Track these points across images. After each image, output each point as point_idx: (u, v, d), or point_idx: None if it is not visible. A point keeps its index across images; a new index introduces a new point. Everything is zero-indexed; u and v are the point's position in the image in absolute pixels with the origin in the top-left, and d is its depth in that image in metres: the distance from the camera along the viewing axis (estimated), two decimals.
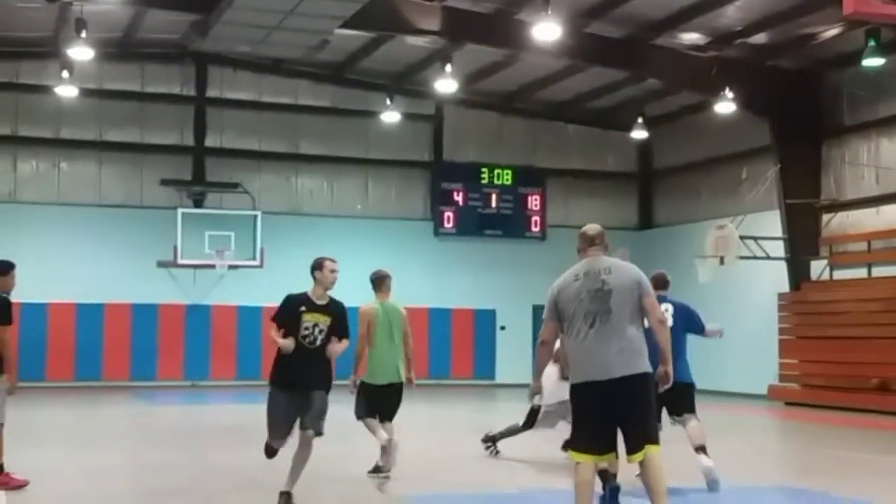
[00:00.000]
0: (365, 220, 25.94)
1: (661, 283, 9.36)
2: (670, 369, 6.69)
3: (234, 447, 12.67)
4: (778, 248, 21.81)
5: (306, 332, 8.08)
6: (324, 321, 8.13)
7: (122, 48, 23.47)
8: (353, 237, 25.37)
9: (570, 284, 6.60)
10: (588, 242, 6.82)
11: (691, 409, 9.30)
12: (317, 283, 8.24)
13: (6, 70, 23.60)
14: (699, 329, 9.60)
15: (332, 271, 8.27)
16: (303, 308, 8.13)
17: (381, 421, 9.92)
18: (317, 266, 8.31)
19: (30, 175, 23.96)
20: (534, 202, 27.09)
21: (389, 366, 10.01)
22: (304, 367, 8.02)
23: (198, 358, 24.56)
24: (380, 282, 10.43)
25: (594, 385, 6.35)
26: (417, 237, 25.86)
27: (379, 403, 9.95)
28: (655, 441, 6.40)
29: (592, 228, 6.87)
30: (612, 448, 6.45)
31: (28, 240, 22.58)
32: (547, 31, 17.43)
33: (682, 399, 9.04)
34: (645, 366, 6.44)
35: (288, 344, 7.94)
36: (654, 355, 6.65)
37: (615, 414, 6.34)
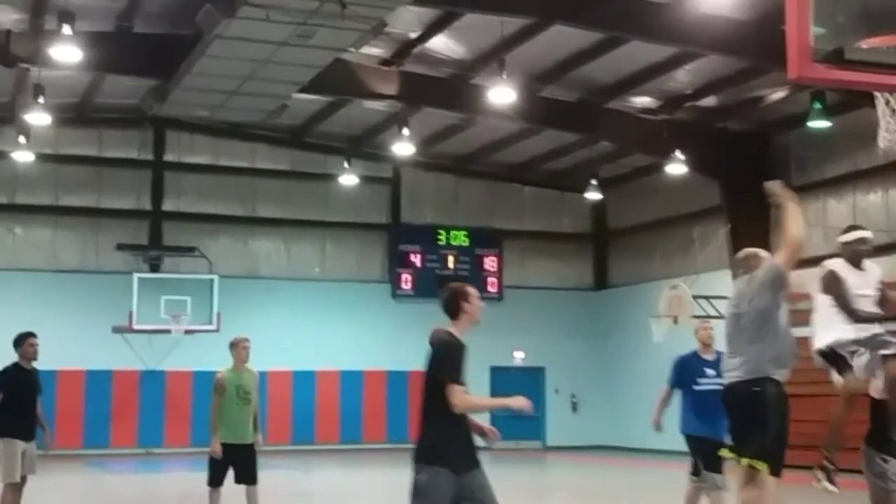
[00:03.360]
0: (323, 282, 25.93)
1: None
2: None
3: None
4: None
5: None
6: None
7: (79, 113, 23.48)
8: (310, 300, 25.36)
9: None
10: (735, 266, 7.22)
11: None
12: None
13: None
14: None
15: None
16: None
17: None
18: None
19: None
20: (490, 263, 27.28)
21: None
22: None
23: (152, 424, 24.24)
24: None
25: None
26: (375, 299, 25.87)
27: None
28: None
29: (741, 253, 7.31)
30: None
31: None
32: (502, 94, 17.76)
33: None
34: None
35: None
36: None
37: None
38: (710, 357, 9.47)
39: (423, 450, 5.76)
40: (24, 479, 9.66)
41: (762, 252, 7.15)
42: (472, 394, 5.89)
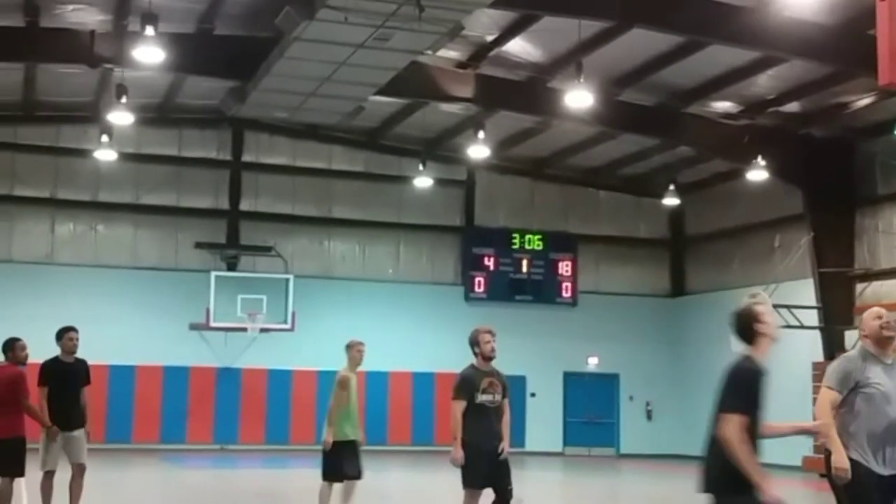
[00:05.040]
0: (396, 284, 26.01)
1: None
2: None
3: None
4: (812, 317, 21.61)
5: None
6: None
7: (160, 113, 23.90)
8: (384, 302, 25.45)
9: None
10: None
11: None
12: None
13: (47, 134, 24.07)
14: None
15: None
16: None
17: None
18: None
19: (67, 237, 24.29)
20: (565, 268, 27.06)
21: None
22: None
23: (227, 421, 24.54)
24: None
25: None
26: (448, 302, 25.86)
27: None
28: None
29: None
30: None
31: (64, 301, 22.80)
32: (579, 98, 17.58)
33: None
34: None
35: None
36: None
37: None
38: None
39: (726, 477, 5.40)
40: (81, 466, 9.98)
41: None
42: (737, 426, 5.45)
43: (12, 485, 9.71)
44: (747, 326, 5.70)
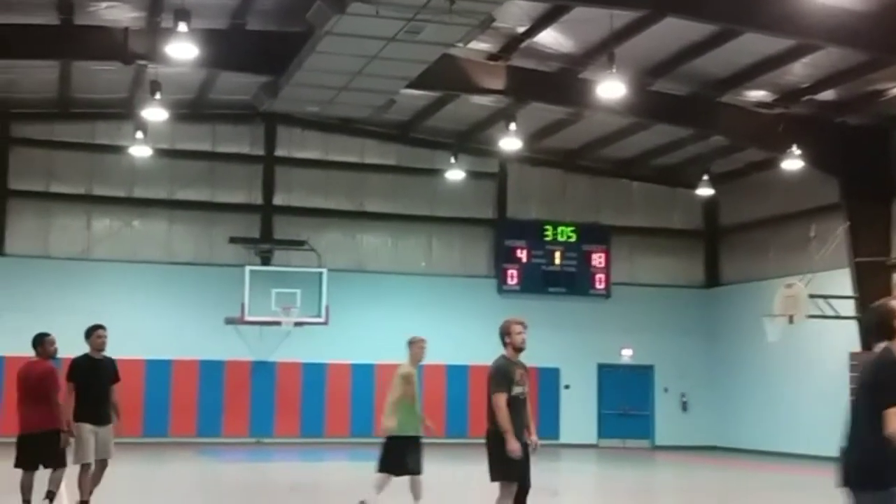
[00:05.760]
0: (429, 277, 26.04)
1: None
2: None
3: None
4: (848, 307, 21.40)
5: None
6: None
7: (194, 109, 24.05)
8: (416, 294, 25.49)
9: None
10: None
11: None
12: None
13: (82, 131, 24.30)
14: None
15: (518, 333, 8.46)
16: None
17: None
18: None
19: (103, 233, 24.52)
20: (598, 260, 26.96)
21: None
22: None
23: (263, 415, 24.69)
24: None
25: None
26: (481, 294, 25.85)
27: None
28: None
29: None
30: None
31: (101, 296, 23.06)
32: (611, 89, 17.47)
33: None
34: None
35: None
36: None
37: None
38: None
39: (869, 472, 5.32)
40: (104, 462, 10.20)
41: None
42: None
43: (33, 476, 9.94)
44: (885, 322, 5.57)
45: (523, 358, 8.56)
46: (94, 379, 10.08)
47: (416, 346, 10.68)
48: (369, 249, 26.09)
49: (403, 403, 10.52)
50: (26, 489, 9.88)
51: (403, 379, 10.54)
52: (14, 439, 10.10)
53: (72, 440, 9.94)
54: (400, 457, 10.45)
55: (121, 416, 10.40)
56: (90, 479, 10.15)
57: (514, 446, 8.01)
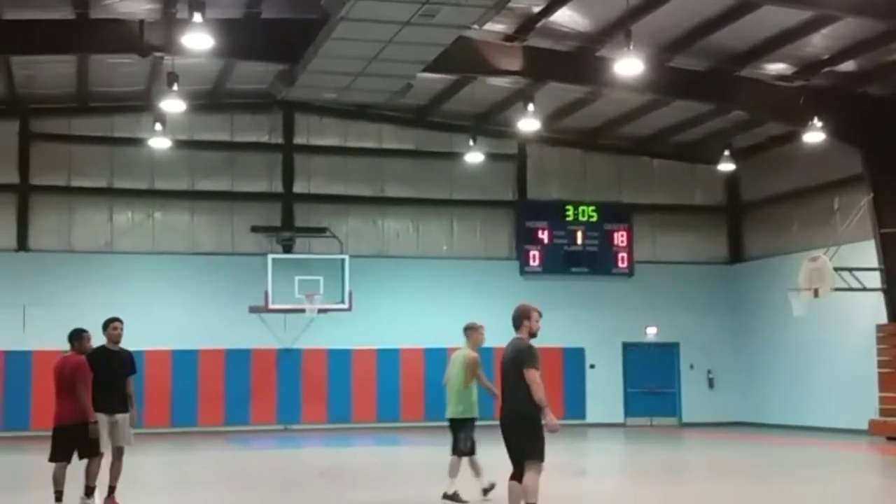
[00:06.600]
0: (451, 260, 26.04)
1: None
2: None
3: (334, 491, 12.71)
4: (874, 279, 21.25)
5: None
6: None
7: (211, 99, 24.10)
8: (439, 278, 25.51)
9: None
10: None
11: None
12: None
13: (102, 124, 24.40)
14: None
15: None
16: None
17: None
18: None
19: (126, 225, 24.65)
20: (620, 238, 26.88)
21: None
22: None
23: (290, 402, 24.81)
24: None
25: None
26: (503, 276, 25.83)
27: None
28: None
29: None
30: None
31: (125, 289, 23.20)
32: (629, 66, 17.33)
33: None
34: None
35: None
36: None
37: None
38: None
39: None
40: (120, 449, 10.41)
41: None
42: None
43: (65, 469, 10.07)
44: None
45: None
46: (109, 370, 10.27)
47: (478, 332, 11.23)
48: (390, 234, 26.11)
49: (470, 387, 11.13)
50: (58, 481, 10.00)
51: (472, 365, 11.13)
52: (46, 433, 10.23)
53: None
54: (473, 438, 11.16)
55: (133, 406, 10.58)
56: (112, 468, 10.35)
57: (555, 421, 8.21)
